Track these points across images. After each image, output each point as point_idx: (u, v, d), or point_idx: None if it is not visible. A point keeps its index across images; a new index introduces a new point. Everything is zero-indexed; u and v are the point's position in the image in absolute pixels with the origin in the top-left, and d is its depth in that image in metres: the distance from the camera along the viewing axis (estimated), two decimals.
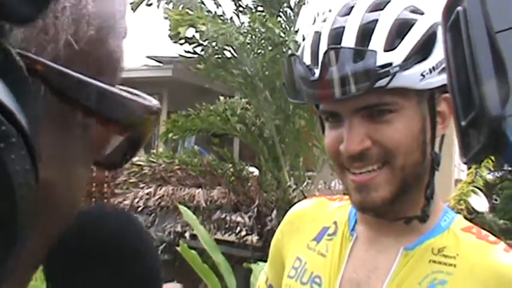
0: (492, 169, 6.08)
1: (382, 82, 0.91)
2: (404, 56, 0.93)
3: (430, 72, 0.95)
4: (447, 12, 0.48)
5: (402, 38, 0.94)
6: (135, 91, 0.42)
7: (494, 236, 1.01)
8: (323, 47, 0.96)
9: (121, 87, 0.41)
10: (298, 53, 1.03)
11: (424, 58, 0.96)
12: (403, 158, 0.95)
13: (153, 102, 0.42)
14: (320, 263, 1.09)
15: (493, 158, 5.83)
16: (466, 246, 0.98)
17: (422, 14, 0.99)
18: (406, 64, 0.93)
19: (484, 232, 1.03)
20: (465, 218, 1.07)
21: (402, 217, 1.01)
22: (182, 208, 5.03)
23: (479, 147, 0.45)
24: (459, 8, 0.46)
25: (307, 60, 0.99)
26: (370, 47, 0.93)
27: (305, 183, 7.27)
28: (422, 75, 0.94)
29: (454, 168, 14.56)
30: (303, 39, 1.04)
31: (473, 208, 6.33)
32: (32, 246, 0.34)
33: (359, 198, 0.99)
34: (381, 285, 1.00)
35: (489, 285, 0.93)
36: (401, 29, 0.95)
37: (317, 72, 0.94)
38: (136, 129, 0.41)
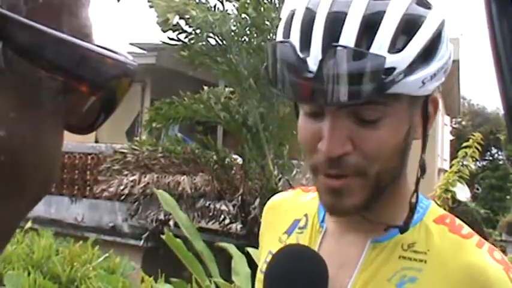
0: (476, 159, 6.11)
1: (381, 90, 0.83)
2: (410, 60, 0.84)
3: (431, 78, 0.88)
4: None
5: (410, 38, 0.85)
6: (111, 47, 0.38)
7: (475, 224, 1.00)
8: (317, 36, 0.85)
9: (94, 44, 0.38)
10: (281, 31, 0.92)
11: (428, 63, 0.88)
12: (379, 165, 0.89)
13: (130, 61, 0.39)
14: None
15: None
16: (438, 241, 0.94)
17: (430, 8, 0.90)
18: (410, 69, 0.84)
19: (457, 222, 0.99)
20: (449, 207, 1.06)
21: (381, 223, 0.97)
22: (161, 195, 4.96)
23: None
24: None
25: (295, 42, 0.87)
26: (374, 45, 0.83)
27: (293, 172, 7.27)
28: (423, 82, 0.86)
29: (437, 158, 14.70)
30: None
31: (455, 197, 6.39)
32: (4, 211, 0.34)
33: (330, 203, 0.93)
34: (348, 280, 0.96)
35: (461, 283, 0.89)
36: (409, 26, 0.86)
37: (312, 68, 0.83)
38: (110, 90, 0.38)
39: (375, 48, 0.83)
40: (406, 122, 0.91)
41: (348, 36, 0.83)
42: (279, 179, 6.97)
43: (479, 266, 0.90)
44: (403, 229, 0.95)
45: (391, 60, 0.82)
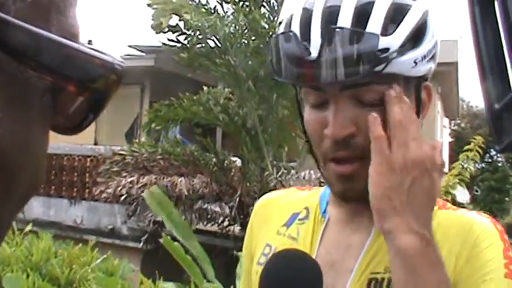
0: (475, 161, 6.15)
1: (378, 67, 0.89)
2: (401, 41, 0.92)
3: (422, 59, 0.95)
4: None
5: (398, 24, 0.93)
6: (98, 48, 0.39)
7: None
8: (316, 26, 0.92)
9: (82, 44, 0.38)
10: (283, 30, 0.99)
11: (418, 45, 0.95)
12: None
13: (117, 61, 0.39)
14: (290, 246, 1.06)
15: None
16: (434, 218, 0.97)
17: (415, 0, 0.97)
18: (402, 50, 0.91)
19: (448, 204, 1.05)
20: None
21: None
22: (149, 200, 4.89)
23: None
24: None
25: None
26: (368, 30, 0.90)
27: (289, 174, 7.26)
28: (415, 62, 0.93)
29: None
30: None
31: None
32: None
33: (342, 189, 0.97)
34: (354, 263, 0.99)
35: (456, 239, 0.96)
36: (397, 14, 0.93)
37: (313, 52, 0.90)
38: (97, 90, 0.38)
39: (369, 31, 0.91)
40: None
41: (344, 23, 0.91)
42: (275, 179, 6.96)
43: (469, 219, 0.99)
44: None
45: (384, 41, 0.90)
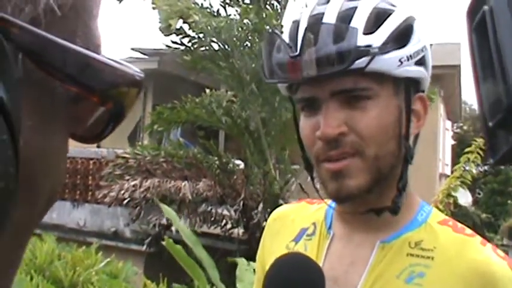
0: (477, 164, 6.14)
1: (361, 63, 0.92)
2: (383, 39, 0.95)
3: (408, 59, 0.97)
4: (471, 13, 0.47)
5: (380, 24, 0.96)
6: (120, 60, 0.40)
7: (477, 229, 1.02)
8: (301, 29, 0.96)
9: (104, 55, 0.39)
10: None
11: (402, 46, 0.97)
12: (376, 147, 0.96)
13: (137, 72, 0.41)
14: None
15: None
16: (444, 239, 0.99)
17: (396, 7, 1.01)
18: (385, 48, 0.94)
19: (459, 225, 1.04)
20: (451, 211, 1.08)
21: (373, 208, 1.01)
22: (162, 205, 4.98)
23: (508, 148, 0.44)
24: (485, 8, 0.44)
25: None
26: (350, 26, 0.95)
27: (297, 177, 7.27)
28: (400, 61, 0.96)
29: (439, 163, 14.69)
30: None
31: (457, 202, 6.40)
32: (17, 222, 0.34)
33: (335, 187, 0.97)
34: (358, 279, 1.00)
35: (468, 279, 0.93)
36: (379, 16, 0.97)
37: (297, 50, 0.94)
38: (119, 100, 0.39)
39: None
40: (395, 107, 0.98)
41: (328, 22, 0.96)
42: (285, 183, 6.95)
43: (485, 262, 0.95)
44: (393, 209, 1.00)
45: (366, 38, 0.94)
